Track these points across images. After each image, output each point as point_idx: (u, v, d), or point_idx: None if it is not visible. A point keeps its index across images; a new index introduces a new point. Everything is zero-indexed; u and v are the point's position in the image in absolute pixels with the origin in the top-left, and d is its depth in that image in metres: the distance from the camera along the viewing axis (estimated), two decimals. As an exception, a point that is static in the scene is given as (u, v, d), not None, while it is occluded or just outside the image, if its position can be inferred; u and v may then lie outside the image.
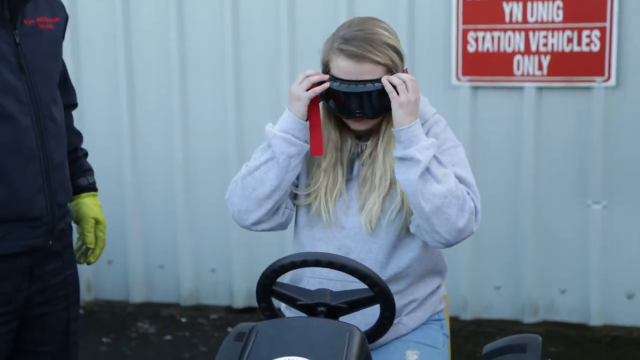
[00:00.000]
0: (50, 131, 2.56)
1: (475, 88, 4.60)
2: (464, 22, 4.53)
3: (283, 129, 2.40)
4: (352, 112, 2.36)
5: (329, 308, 2.18)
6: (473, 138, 4.61)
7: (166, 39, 4.93)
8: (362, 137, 2.49)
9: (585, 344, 4.47)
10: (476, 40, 4.54)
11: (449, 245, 2.38)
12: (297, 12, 4.74)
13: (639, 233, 4.51)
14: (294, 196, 2.53)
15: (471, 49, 4.54)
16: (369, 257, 2.43)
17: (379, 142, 2.45)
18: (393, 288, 2.30)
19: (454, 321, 4.50)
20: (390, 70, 2.37)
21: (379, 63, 2.34)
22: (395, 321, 2.34)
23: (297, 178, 2.52)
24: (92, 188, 2.88)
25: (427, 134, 2.42)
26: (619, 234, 4.53)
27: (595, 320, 4.61)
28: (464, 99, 4.60)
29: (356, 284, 2.24)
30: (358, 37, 2.34)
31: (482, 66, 4.55)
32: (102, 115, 5.03)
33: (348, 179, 2.47)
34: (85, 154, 2.93)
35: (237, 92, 4.88)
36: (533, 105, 4.51)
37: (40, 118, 2.52)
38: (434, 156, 2.32)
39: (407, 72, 2.41)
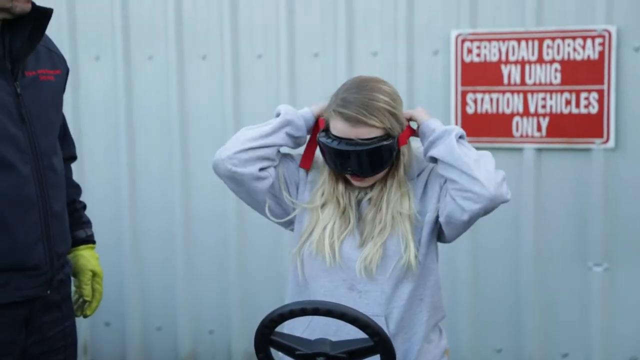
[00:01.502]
0: (50, 181, 2.62)
1: (475, 149, 4.63)
2: (463, 84, 4.60)
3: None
4: (345, 169, 2.45)
5: (328, 358, 2.19)
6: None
7: (166, 98, 5.00)
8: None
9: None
10: (475, 101, 4.60)
11: (487, 203, 2.46)
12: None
13: (641, 296, 4.53)
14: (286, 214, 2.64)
15: (470, 110, 4.60)
16: (375, 288, 2.49)
17: (384, 193, 2.54)
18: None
19: (456, 385, 4.51)
20: (387, 133, 2.44)
21: (374, 126, 2.42)
22: None
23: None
24: (90, 240, 2.93)
25: (429, 174, 2.58)
26: (621, 297, 4.54)
27: (597, 386, 4.61)
28: (463, 160, 4.64)
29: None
30: (356, 101, 2.42)
31: (481, 127, 4.60)
32: (101, 174, 5.07)
33: (359, 218, 2.55)
34: (84, 207, 2.97)
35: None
36: (532, 166, 4.55)
37: (40, 168, 2.58)
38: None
39: (404, 136, 2.50)
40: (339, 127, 2.43)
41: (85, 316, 2.88)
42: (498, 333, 4.71)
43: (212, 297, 5.03)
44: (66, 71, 2.82)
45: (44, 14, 2.59)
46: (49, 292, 2.62)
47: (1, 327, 2.52)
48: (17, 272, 2.53)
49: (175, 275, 5.09)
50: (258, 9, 4.83)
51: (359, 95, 2.43)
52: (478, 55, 4.57)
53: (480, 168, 2.46)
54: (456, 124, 4.61)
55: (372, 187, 2.55)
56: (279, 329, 2.30)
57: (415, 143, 2.69)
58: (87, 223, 2.96)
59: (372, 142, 2.41)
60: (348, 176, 2.52)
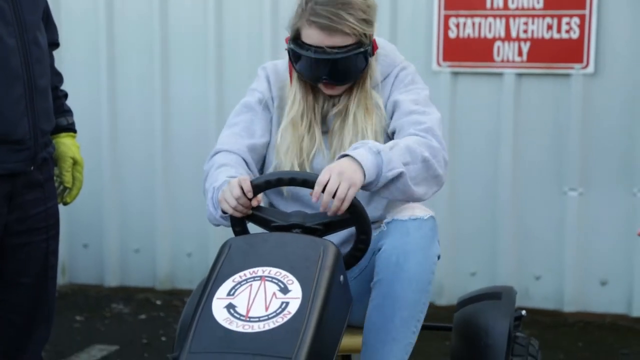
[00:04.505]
0: (35, 56, 2.65)
1: (456, 74, 4.74)
2: (446, 8, 4.67)
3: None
4: (320, 78, 2.46)
5: (304, 229, 2.24)
6: (452, 123, 4.75)
7: (150, 19, 5.05)
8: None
9: (559, 329, 4.60)
10: (457, 26, 4.68)
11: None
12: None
13: (615, 220, 4.66)
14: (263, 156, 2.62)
15: (452, 34, 4.68)
16: None
17: (350, 104, 2.54)
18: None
19: (430, 307, 4.60)
20: (361, 41, 2.45)
21: (349, 34, 2.42)
22: None
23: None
24: (71, 129, 2.96)
25: (394, 80, 2.57)
26: (595, 221, 4.68)
27: (569, 307, 4.75)
28: (444, 85, 4.74)
29: None
30: (329, 11, 2.41)
31: (463, 52, 4.69)
32: (83, 95, 5.11)
33: (324, 132, 2.57)
34: (65, 95, 3.00)
35: (218, 72, 5.00)
36: (512, 91, 4.65)
37: (26, 41, 2.61)
38: (382, 152, 2.31)
39: (375, 43, 2.52)
40: (313, 37, 2.43)
41: (65, 203, 2.94)
42: (473, 257, 4.85)
43: (191, 220, 5.11)
44: None
45: None
46: (32, 168, 2.67)
47: None
48: (1, 144, 2.56)
49: (154, 199, 5.16)
50: None
51: (333, 4, 2.43)
52: (461, -21, 4.65)
53: (430, 182, 2.38)
54: (437, 48, 4.70)
55: (338, 98, 2.57)
56: None
57: (383, 41, 2.74)
58: (69, 112, 3.00)
59: (348, 49, 2.43)
60: (320, 86, 2.52)
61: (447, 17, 4.68)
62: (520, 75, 4.64)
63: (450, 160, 4.63)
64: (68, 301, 5.02)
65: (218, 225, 2.49)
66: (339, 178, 2.20)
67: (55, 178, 2.89)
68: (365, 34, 2.45)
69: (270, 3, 4.88)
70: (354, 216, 2.26)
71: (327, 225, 2.27)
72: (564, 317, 4.73)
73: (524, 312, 2.89)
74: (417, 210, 2.39)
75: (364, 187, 2.27)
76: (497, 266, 4.78)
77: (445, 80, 4.74)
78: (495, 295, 2.80)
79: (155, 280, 5.23)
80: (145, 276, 5.26)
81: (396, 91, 2.56)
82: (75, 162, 2.93)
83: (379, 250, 2.37)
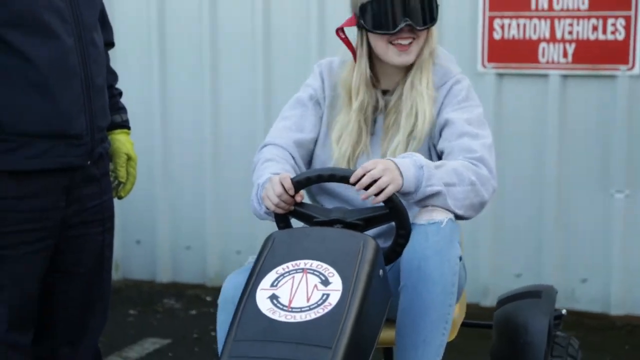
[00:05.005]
0: (92, 55, 2.75)
1: (501, 75, 4.78)
2: (491, 9, 4.72)
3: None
4: (399, 20, 2.51)
5: (345, 225, 2.32)
6: (498, 125, 4.78)
7: (198, 21, 5.17)
8: (386, 92, 2.67)
9: (606, 332, 4.61)
10: (502, 27, 4.72)
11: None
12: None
13: (661, 222, 4.66)
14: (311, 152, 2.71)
15: (497, 36, 4.73)
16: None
17: (400, 106, 2.62)
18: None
19: (475, 308, 4.67)
20: None
21: None
22: None
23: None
24: (125, 125, 3.08)
25: (447, 93, 2.62)
26: (641, 223, 4.69)
27: (616, 310, 4.76)
28: (489, 86, 4.79)
29: None
30: None
31: (508, 53, 4.73)
32: (136, 93, 5.23)
33: (372, 133, 2.65)
34: (120, 93, 3.12)
35: (266, 70, 5.10)
36: (557, 92, 4.68)
37: (83, 41, 2.72)
38: (426, 167, 2.40)
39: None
40: None
41: (119, 198, 3.06)
42: (518, 258, 4.88)
43: (241, 219, 5.21)
44: None
45: None
46: (89, 162, 2.78)
47: (44, 192, 2.68)
48: (60, 139, 2.65)
49: (205, 197, 5.29)
50: None
51: None
52: (506, -20, 4.70)
53: (472, 208, 2.49)
54: (482, 50, 4.75)
55: (389, 99, 2.63)
56: None
57: (441, 49, 2.81)
58: (123, 109, 3.12)
59: None
60: (391, 52, 2.56)
61: (491, 19, 4.73)
62: (565, 76, 4.67)
63: (496, 161, 4.72)
64: (122, 296, 5.16)
65: (264, 219, 2.58)
66: (383, 172, 2.30)
67: (110, 173, 3.01)
68: None
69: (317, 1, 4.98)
70: (393, 211, 2.34)
71: (367, 220, 2.35)
72: (611, 320, 4.73)
73: (564, 311, 2.94)
74: (435, 214, 2.41)
75: (404, 196, 2.36)
76: (542, 268, 4.81)
77: (490, 82, 4.78)
78: (535, 294, 2.85)
79: (206, 277, 5.34)
80: (195, 273, 5.38)
81: (449, 106, 2.61)
82: (129, 158, 3.05)
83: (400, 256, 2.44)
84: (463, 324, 2.79)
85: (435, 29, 2.68)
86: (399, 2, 2.52)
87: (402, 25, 2.53)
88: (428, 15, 2.56)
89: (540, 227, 4.81)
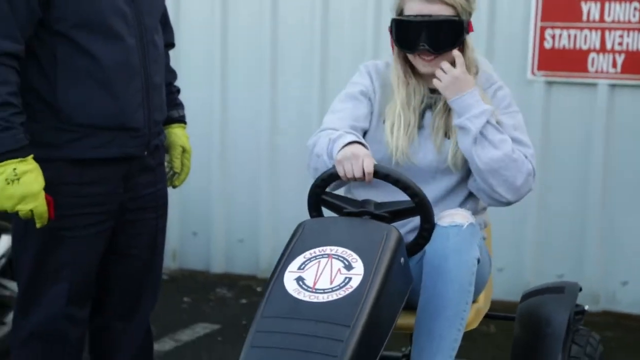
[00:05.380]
0: (152, 55, 2.93)
1: (550, 83, 4.89)
2: (542, 19, 4.83)
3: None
4: (417, 44, 2.66)
5: (373, 216, 2.45)
6: (545, 131, 4.90)
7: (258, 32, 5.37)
8: (435, 91, 2.78)
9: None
10: (553, 37, 4.83)
11: (508, 203, 2.73)
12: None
13: None
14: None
15: (548, 45, 4.83)
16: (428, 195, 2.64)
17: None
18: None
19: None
20: (458, 14, 2.66)
21: (447, 4, 2.65)
22: None
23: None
24: (182, 120, 3.28)
25: (492, 97, 2.77)
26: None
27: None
28: (538, 93, 4.90)
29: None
30: None
31: (557, 62, 4.84)
32: (195, 92, 5.43)
33: (420, 127, 2.78)
34: (178, 90, 3.32)
35: (323, 74, 5.28)
36: (606, 101, 4.77)
37: (144, 42, 2.89)
38: (489, 122, 2.65)
39: (471, 23, 2.72)
40: (415, 7, 2.66)
41: (174, 186, 3.26)
42: (561, 261, 4.98)
43: (293, 213, 5.37)
44: None
45: None
46: (146, 153, 2.97)
47: (105, 179, 2.88)
48: (121, 131, 2.84)
49: (259, 193, 5.48)
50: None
51: None
52: (559, -9, 4.80)
53: (498, 179, 2.66)
54: (533, 58, 4.85)
55: (438, 97, 2.76)
56: None
57: (483, 58, 2.93)
58: (180, 105, 3.31)
59: (445, 17, 2.64)
60: (417, 61, 2.71)
61: (543, 28, 4.83)
62: (613, 86, 4.76)
63: (542, 167, 4.84)
64: (178, 284, 5.39)
65: (316, 175, 2.66)
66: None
67: (166, 164, 3.21)
68: (463, 8, 2.66)
69: (374, 3, 5.13)
70: (419, 206, 2.48)
71: (393, 213, 2.49)
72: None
73: (586, 307, 3.04)
74: (457, 217, 2.56)
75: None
76: (584, 270, 4.90)
77: (540, 89, 4.89)
78: (558, 290, 2.97)
79: (257, 269, 5.53)
80: (248, 265, 5.57)
81: (497, 110, 2.74)
82: (184, 150, 3.24)
83: (424, 254, 2.58)
84: (487, 315, 2.92)
85: (470, 42, 2.79)
86: (418, 27, 2.65)
87: (420, 49, 2.69)
88: (448, 40, 2.68)
89: (583, 230, 4.91)
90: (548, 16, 4.82)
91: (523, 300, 3.00)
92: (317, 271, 2.26)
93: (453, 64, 2.70)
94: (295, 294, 2.21)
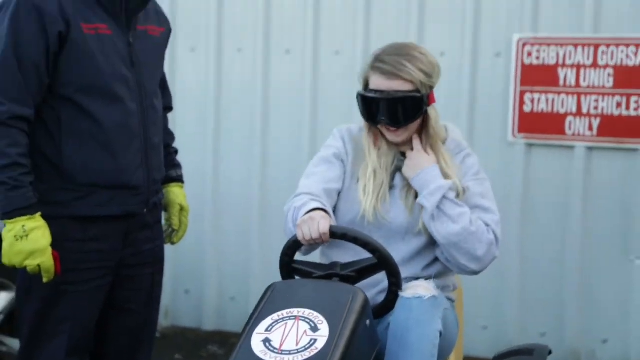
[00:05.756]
0: (151, 118, 3.09)
1: (530, 145, 5.01)
2: (522, 84, 4.98)
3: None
4: (378, 118, 2.79)
5: (341, 278, 2.54)
6: (526, 191, 5.02)
7: (253, 89, 5.52)
8: (403, 153, 2.91)
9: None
10: (532, 100, 4.97)
11: (474, 273, 2.84)
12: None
13: (680, 289, 4.81)
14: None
15: (527, 108, 4.97)
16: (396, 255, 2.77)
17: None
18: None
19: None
20: (418, 89, 2.78)
21: (406, 80, 2.77)
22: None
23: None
24: (179, 179, 3.43)
25: (462, 162, 2.89)
26: (661, 289, 4.84)
27: (636, 371, 4.91)
28: (519, 155, 5.02)
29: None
30: (391, 59, 2.78)
31: (537, 125, 4.97)
32: (192, 152, 5.54)
33: (391, 187, 2.89)
34: (176, 152, 3.47)
35: (312, 145, 5.42)
36: (583, 163, 4.89)
37: (144, 106, 3.05)
38: (446, 197, 2.76)
39: (432, 96, 2.83)
40: (375, 82, 2.78)
41: (172, 243, 3.39)
42: (542, 319, 5.07)
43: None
44: (168, 30, 3.29)
45: None
46: (145, 210, 3.10)
47: (106, 236, 3.01)
48: (122, 190, 2.99)
49: (250, 250, 5.58)
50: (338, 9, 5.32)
51: (396, 54, 2.79)
52: (537, 58, 4.95)
53: (460, 251, 2.77)
54: (513, 121, 4.99)
55: (404, 155, 2.88)
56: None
57: (453, 126, 3.06)
58: (178, 165, 3.46)
59: (403, 93, 2.75)
60: (384, 130, 2.83)
61: (522, 93, 4.98)
62: (590, 149, 4.88)
63: (522, 226, 4.95)
64: (169, 341, 5.47)
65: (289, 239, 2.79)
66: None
67: (165, 222, 3.35)
68: (422, 83, 2.77)
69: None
70: (381, 261, 2.57)
71: (359, 271, 2.59)
72: (630, 381, 4.87)
73: None
74: (420, 289, 2.64)
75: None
76: (565, 328, 4.98)
77: (520, 151, 5.02)
78: (527, 352, 3.05)
79: (248, 326, 5.59)
80: (239, 322, 5.61)
81: (465, 176, 2.87)
82: (182, 208, 3.39)
83: (388, 325, 2.65)
84: (463, 373, 3.02)
85: (433, 113, 2.90)
86: (378, 102, 2.77)
87: (380, 122, 2.82)
88: (408, 114, 2.78)
89: (563, 289, 4.99)
90: (527, 81, 4.96)
91: None
92: (283, 333, 2.35)
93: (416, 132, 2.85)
94: (261, 355, 2.30)
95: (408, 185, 2.87)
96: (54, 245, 2.85)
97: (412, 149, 2.87)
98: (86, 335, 3.06)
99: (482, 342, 5.15)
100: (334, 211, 2.91)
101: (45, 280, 2.85)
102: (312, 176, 2.93)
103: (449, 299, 2.94)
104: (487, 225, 2.81)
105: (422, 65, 2.79)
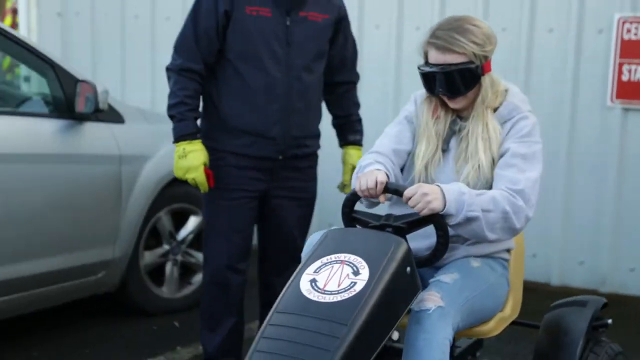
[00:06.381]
0: (296, 87, 2.88)
1: (626, 110, 4.24)
2: (621, 57, 4.20)
3: None
4: (436, 90, 2.26)
5: (393, 228, 2.10)
6: (621, 151, 4.27)
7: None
8: (462, 117, 2.34)
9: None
10: (629, 71, 4.19)
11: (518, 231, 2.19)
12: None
13: None
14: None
15: (625, 78, 4.20)
16: None
17: (470, 131, 2.29)
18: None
19: (594, 293, 4.13)
20: (471, 60, 2.21)
21: (459, 53, 2.21)
22: (459, 247, 2.26)
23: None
24: (356, 142, 3.16)
25: (512, 126, 2.26)
26: None
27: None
28: (616, 118, 4.26)
29: None
30: (445, 34, 2.23)
31: (633, 92, 4.19)
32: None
33: (444, 150, 2.33)
34: (359, 120, 3.18)
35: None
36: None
37: (290, 77, 2.87)
38: (464, 194, 2.09)
39: (488, 65, 2.25)
40: (432, 56, 2.25)
41: (345, 193, 3.08)
42: (633, 255, 4.34)
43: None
44: (335, 17, 2.96)
45: None
46: (280, 157, 2.91)
47: (253, 168, 2.89)
48: (259, 138, 2.88)
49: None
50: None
51: (448, 29, 2.24)
52: (635, 34, 4.15)
53: (503, 231, 2.15)
54: (612, 89, 4.24)
55: (463, 124, 2.30)
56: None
57: (515, 89, 2.36)
58: (358, 131, 3.17)
59: (457, 66, 2.20)
60: (445, 99, 2.30)
61: (621, 64, 4.20)
62: (681, 112, 4.06)
63: (618, 181, 4.21)
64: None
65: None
66: (421, 198, 2.05)
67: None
68: (475, 54, 2.20)
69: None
70: (429, 215, 2.08)
71: (409, 224, 2.11)
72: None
73: (609, 320, 2.52)
74: (426, 303, 2.07)
75: (446, 217, 2.08)
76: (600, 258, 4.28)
77: (617, 115, 4.25)
78: (581, 303, 2.46)
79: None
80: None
81: (511, 138, 2.25)
82: (353, 167, 3.09)
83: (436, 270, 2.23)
84: (515, 322, 2.49)
85: (488, 81, 2.26)
86: (434, 75, 2.23)
87: (437, 93, 2.27)
88: (463, 85, 2.22)
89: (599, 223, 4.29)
90: (626, 54, 4.17)
91: (550, 310, 2.51)
92: (329, 275, 1.94)
93: (475, 98, 2.29)
94: (306, 293, 1.90)
95: (460, 148, 2.29)
96: (216, 168, 2.87)
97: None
98: (243, 242, 2.95)
99: (579, 274, 4.49)
100: (402, 170, 2.41)
101: (202, 190, 2.87)
102: (385, 137, 2.43)
103: (502, 258, 2.37)
104: (514, 189, 2.15)
105: (474, 37, 2.21)
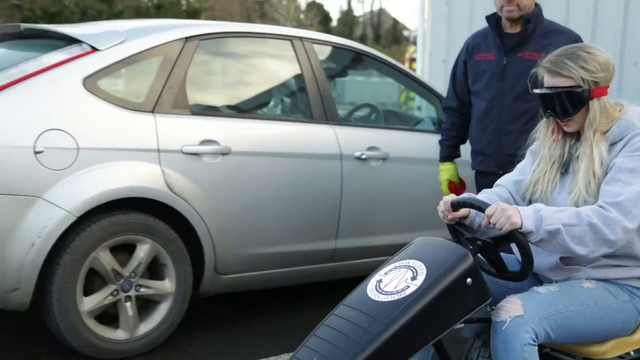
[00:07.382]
0: (506, 113, 3.34)
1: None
2: None
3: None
4: (546, 111, 2.30)
5: (482, 242, 2.11)
6: None
7: None
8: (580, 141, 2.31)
9: None
10: None
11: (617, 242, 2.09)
12: None
13: None
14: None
15: None
16: None
17: (581, 153, 2.27)
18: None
19: None
20: (579, 85, 2.22)
21: (566, 77, 2.23)
22: (582, 269, 2.23)
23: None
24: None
25: (626, 143, 2.20)
26: None
27: None
28: None
29: None
30: (557, 59, 2.26)
31: None
32: None
33: (562, 173, 2.33)
34: None
35: None
36: None
37: (503, 105, 3.35)
38: (540, 210, 2.06)
39: (598, 90, 2.22)
40: (545, 79, 2.28)
41: None
42: None
43: None
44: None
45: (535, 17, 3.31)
46: (501, 172, 3.05)
47: (484, 185, 3.19)
48: (483, 156, 3.44)
49: None
50: None
51: (562, 55, 2.25)
52: None
53: (594, 242, 2.07)
54: None
55: (575, 147, 2.28)
56: None
57: (632, 108, 2.28)
58: None
59: (564, 89, 2.21)
60: (558, 121, 2.30)
61: None
62: None
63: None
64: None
65: None
66: (501, 214, 2.06)
67: None
68: (583, 79, 2.21)
69: None
70: (510, 233, 2.04)
71: (494, 239, 2.09)
72: None
73: None
74: (502, 312, 2.08)
75: (527, 235, 2.06)
76: None
77: None
78: None
79: None
80: None
81: (622, 153, 2.19)
82: None
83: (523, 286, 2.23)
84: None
85: (597, 105, 2.23)
86: (544, 97, 2.28)
87: (547, 115, 2.30)
88: (568, 107, 2.23)
89: None
90: None
91: None
92: (393, 277, 2.04)
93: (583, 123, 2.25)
94: (368, 292, 2.03)
95: (573, 172, 2.26)
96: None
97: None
98: None
99: None
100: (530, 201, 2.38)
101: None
102: (516, 169, 2.48)
103: (631, 286, 2.21)
104: (609, 202, 2.07)
105: (585, 63, 2.21)
